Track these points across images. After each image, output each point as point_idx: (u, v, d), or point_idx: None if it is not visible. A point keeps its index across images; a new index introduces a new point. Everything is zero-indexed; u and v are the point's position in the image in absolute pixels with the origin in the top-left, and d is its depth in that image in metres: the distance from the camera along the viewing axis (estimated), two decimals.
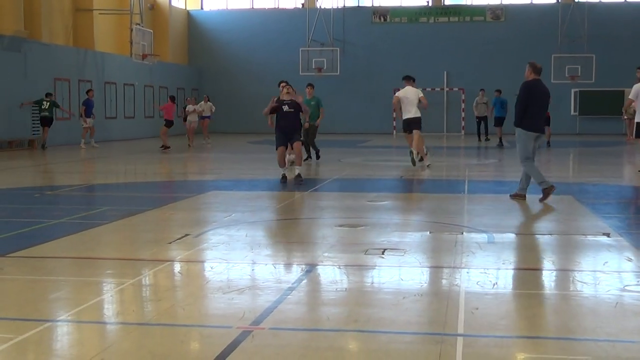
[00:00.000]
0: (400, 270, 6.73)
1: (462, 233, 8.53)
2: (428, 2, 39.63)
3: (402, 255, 7.27)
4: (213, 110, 28.10)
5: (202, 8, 41.61)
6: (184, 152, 23.40)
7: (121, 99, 32.67)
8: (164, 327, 5.04)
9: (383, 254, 7.30)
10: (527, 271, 6.67)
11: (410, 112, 17.93)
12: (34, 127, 26.33)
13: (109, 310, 5.54)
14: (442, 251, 7.59)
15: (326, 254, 7.42)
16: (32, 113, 26.27)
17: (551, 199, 11.03)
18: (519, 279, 6.44)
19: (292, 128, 14.36)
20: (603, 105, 36.45)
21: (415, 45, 38.93)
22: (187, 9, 41.22)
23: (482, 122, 29.42)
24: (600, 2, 38.48)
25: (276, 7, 40.89)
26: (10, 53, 25.22)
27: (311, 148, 19.25)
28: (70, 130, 27.60)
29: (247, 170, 17.82)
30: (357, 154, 20.65)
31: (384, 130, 37.95)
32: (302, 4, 40.14)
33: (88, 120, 26.17)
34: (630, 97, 16.12)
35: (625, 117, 18.35)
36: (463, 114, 37.97)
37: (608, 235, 8.37)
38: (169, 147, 24.05)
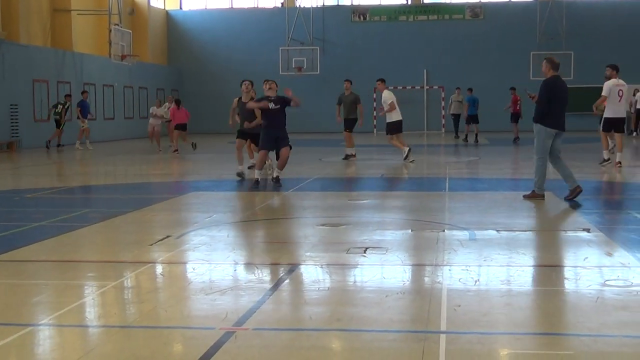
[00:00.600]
0: (382, 269, 6.75)
1: (444, 230, 8.56)
2: (407, 0, 39.72)
3: (384, 253, 7.28)
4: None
5: (181, 8, 41.47)
6: (164, 154, 23.22)
7: (100, 100, 32.46)
8: (147, 330, 5.03)
9: (365, 252, 7.31)
10: (509, 267, 6.70)
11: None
12: (12, 129, 26.16)
13: (91, 313, 5.52)
14: (424, 249, 7.61)
15: (308, 254, 7.43)
16: (11, 115, 26.12)
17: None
18: (501, 276, 6.48)
19: (278, 127, 13.60)
20: (581, 102, 36.67)
21: (395, 44, 39.03)
22: (166, 8, 41.07)
23: (457, 119, 30.26)
24: None
25: (255, 6, 40.84)
26: None
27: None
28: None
29: (227, 170, 17.77)
30: (338, 153, 20.65)
31: (365, 130, 37.92)
32: (282, 3, 40.13)
33: (86, 121, 26.35)
34: (603, 94, 16.28)
35: (596, 112, 18.64)
36: (443, 112, 38.11)
37: (588, 230, 8.43)
38: (176, 150, 22.94)
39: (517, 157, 21.77)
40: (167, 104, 26.21)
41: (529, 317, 5.29)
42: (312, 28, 38.82)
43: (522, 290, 6.03)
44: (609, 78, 16.28)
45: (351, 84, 19.97)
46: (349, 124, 19.61)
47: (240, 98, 15.26)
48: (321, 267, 6.81)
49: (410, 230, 8.84)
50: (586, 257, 7.02)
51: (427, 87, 38.97)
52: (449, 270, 6.55)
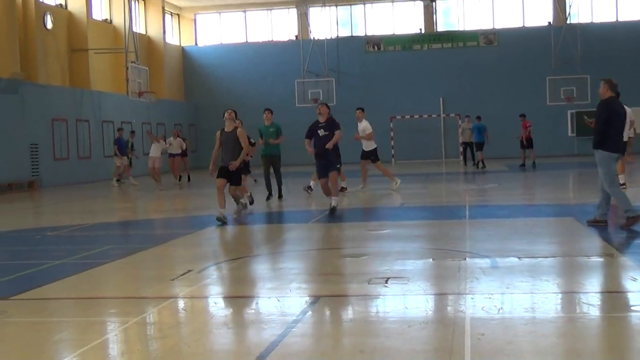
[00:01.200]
0: (404, 299, 6.71)
1: (465, 259, 8.51)
2: (421, 29, 39.89)
3: (406, 283, 7.24)
4: (184, 148, 26.43)
5: (196, 44, 41.87)
6: (173, 189, 23.31)
7: None
8: None
9: (387, 282, 7.28)
10: (532, 295, 6.64)
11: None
12: (33, 168, 26.40)
13: (114, 349, 5.51)
14: (446, 278, 7.57)
15: (329, 285, 7.40)
16: (31, 154, 26.37)
17: (556, 222, 10.97)
18: (524, 303, 6.42)
19: (328, 153, 13.92)
20: None
21: (410, 73, 39.11)
22: (182, 45, 41.48)
23: (467, 147, 30.86)
24: (592, 22, 38.77)
25: (270, 40, 41.14)
26: (7, 95, 25.32)
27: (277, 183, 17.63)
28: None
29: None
30: (354, 184, 20.64)
31: (382, 159, 37.94)
32: (296, 36, 40.39)
33: (124, 158, 26.63)
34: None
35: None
36: (460, 139, 38.05)
37: (611, 255, 8.35)
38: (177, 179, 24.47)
39: (535, 183, 21.65)
40: (170, 139, 26.77)
41: (553, 344, 5.23)
42: (326, 59, 39.01)
43: (546, 317, 5.97)
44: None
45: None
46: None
47: (222, 130, 13.56)
48: (343, 299, 6.78)
49: (431, 259, 8.80)
50: (611, 283, 6.95)
51: (444, 115, 38.96)
52: (472, 298, 6.50)
